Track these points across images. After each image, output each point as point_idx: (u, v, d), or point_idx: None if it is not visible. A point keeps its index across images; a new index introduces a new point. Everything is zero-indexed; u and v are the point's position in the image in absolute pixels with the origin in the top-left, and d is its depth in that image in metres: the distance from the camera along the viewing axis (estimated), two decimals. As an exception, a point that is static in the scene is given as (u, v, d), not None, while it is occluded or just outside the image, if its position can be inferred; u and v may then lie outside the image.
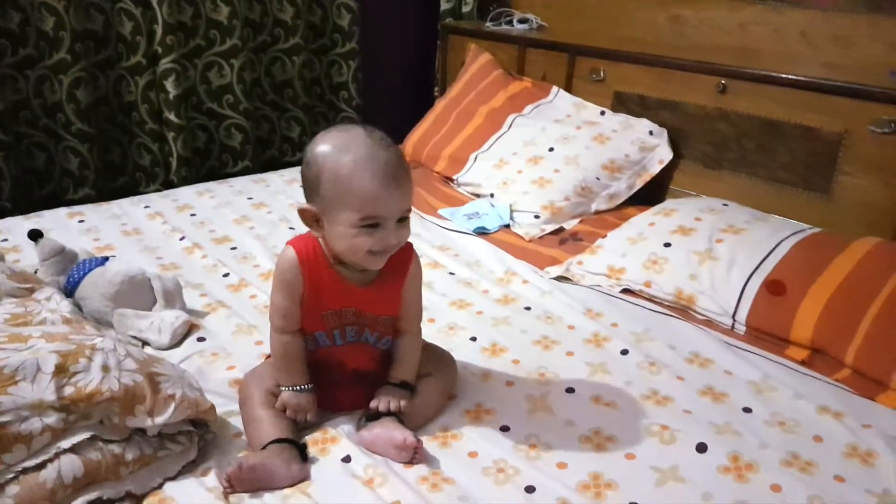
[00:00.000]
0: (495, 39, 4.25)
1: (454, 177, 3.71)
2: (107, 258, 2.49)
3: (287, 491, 1.68)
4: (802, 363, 2.29)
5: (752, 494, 1.72)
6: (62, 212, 3.26)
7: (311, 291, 1.82)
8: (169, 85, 3.82)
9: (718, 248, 2.61)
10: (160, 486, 1.68)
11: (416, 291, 1.95)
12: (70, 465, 1.57)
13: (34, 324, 1.92)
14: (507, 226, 3.24)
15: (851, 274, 2.38)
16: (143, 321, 2.28)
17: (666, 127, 3.46)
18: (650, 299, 2.64)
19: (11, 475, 1.52)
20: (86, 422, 1.61)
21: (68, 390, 1.59)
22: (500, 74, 4.02)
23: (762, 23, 3.31)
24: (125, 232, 3.08)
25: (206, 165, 4.21)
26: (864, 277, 2.36)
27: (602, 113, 3.64)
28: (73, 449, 1.58)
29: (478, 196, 3.53)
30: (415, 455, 1.76)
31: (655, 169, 3.41)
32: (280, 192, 3.58)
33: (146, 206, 3.35)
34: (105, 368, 1.65)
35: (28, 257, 2.69)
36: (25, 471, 1.53)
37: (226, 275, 2.74)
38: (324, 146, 1.71)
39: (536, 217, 3.21)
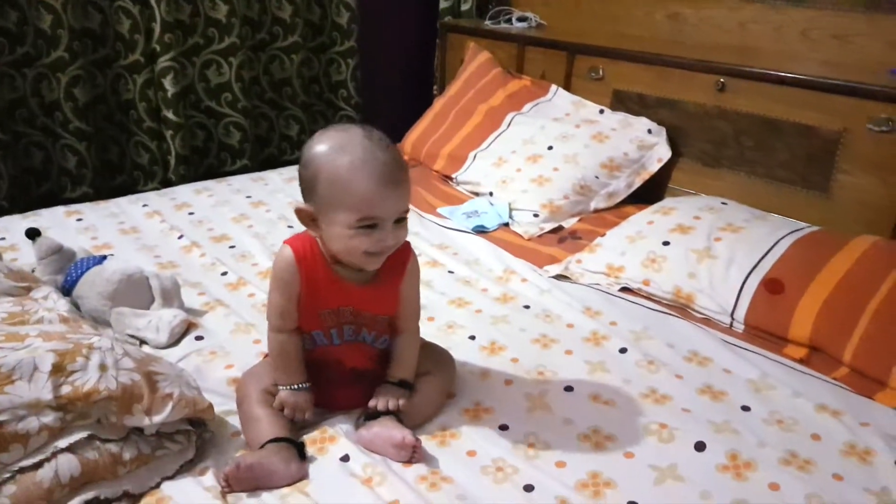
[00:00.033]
0: (494, 38, 4.24)
1: (453, 175, 3.71)
2: (104, 257, 2.49)
3: (285, 490, 1.68)
4: (801, 362, 2.29)
5: (750, 493, 1.71)
6: (60, 210, 3.25)
7: (308, 290, 1.81)
8: (167, 83, 3.82)
9: (717, 247, 2.61)
10: (158, 485, 1.68)
11: (414, 290, 1.95)
12: (67, 465, 1.56)
13: (31, 323, 1.92)
14: (506, 224, 3.24)
15: (850, 272, 2.38)
16: (140, 320, 2.27)
17: (665, 125, 3.46)
18: (649, 298, 2.64)
19: (8, 475, 1.52)
20: (83, 421, 1.61)
21: (65, 389, 1.59)
22: (499, 73, 4.02)
23: (762, 21, 3.32)
24: (123, 230, 3.08)
25: (205, 164, 4.21)
26: (862, 276, 2.36)
27: (601, 111, 3.64)
28: (70, 448, 1.58)
29: (477, 194, 3.53)
30: (413, 454, 1.76)
31: (654, 167, 3.41)
32: (279, 190, 3.58)
33: (144, 205, 3.34)
34: (102, 367, 1.65)
35: (25, 256, 2.69)
36: (22, 470, 1.53)
37: (224, 273, 2.74)
38: (321, 146, 1.70)
39: (535, 215, 3.21)
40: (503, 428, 1.92)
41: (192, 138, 4.07)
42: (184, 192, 3.55)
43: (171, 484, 1.68)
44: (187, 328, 2.34)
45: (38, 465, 1.54)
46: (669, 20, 3.67)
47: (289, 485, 1.69)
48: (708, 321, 2.51)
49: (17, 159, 3.62)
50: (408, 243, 1.88)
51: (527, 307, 2.56)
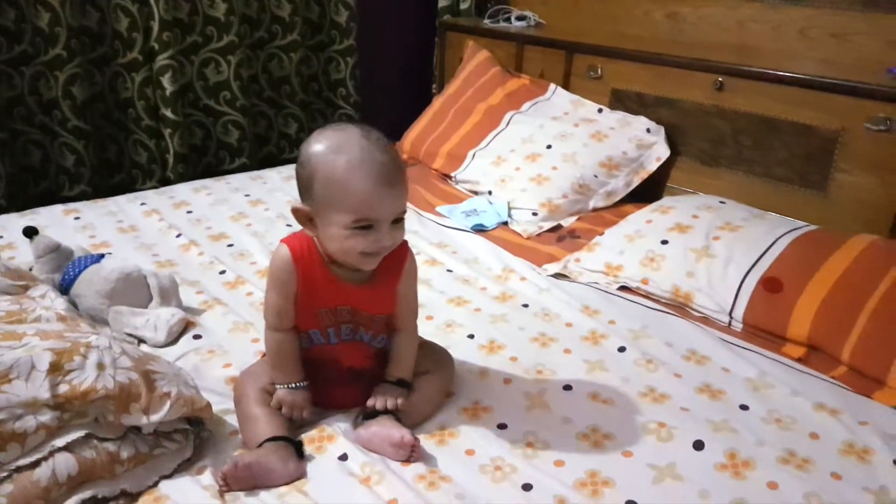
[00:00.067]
0: (493, 36, 4.24)
1: (452, 174, 3.71)
2: (102, 255, 2.48)
3: (283, 489, 1.68)
4: (799, 360, 2.29)
5: (749, 492, 1.71)
6: (58, 209, 3.25)
7: (304, 289, 1.81)
8: (165, 81, 3.82)
9: (715, 246, 2.61)
10: (155, 484, 1.67)
11: (412, 289, 1.94)
12: (65, 464, 1.56)
13: (29, 321, 1.92)
14: (505, 223, 3.24)
15: (848, 271, 2.38)
16: (138, 318, 2.27)
17: (663, 124, 3.46)
18: (647, 296, 2.64)
19: (5, 474, 1.52)
20: (80, 420, 1.61)
21: (63, 388, 1.59)
22: (498, 72, 4.02)
23: (760, 20, 3.32)
24: (121, 229, 3.08)
25: (203, 162, 4.20)
26: (860, 275, 2.36)
27: (600, 110, 3.64)
28: (67, 447, 1.58)
29: (476, 193, 3.53)
30: (412, 453, 1.76)
31: (653, 166, 3.41)
32: (277, 189, 3.58)
33: (142, 203, 3.34)
34: (100, 366, 1.65)
35: (23, 254, 2.68)
36: (19, 469, 1.53)
37: (222, 272, 2.74)
38: (318, 145, 1.70)
39: (534, 214, 3.21)
40: (502, 427, 1.92)
41: (190, 137, 4.07)
42: (182, 190, 3.55)
43: (169, 483, 1.68)
44: (185, 327, 2.34)
45: (36, 464, 1.54)
46: (668, 19, 3.67)
47: (287, 484, 1.69)
48: (706, 320, 2.51)
49: (15, 157, 3.62)
50: (405, 242, 1.87)
51: (525, 306, 2.56)
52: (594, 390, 2.08)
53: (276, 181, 3.69)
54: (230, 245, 2.96)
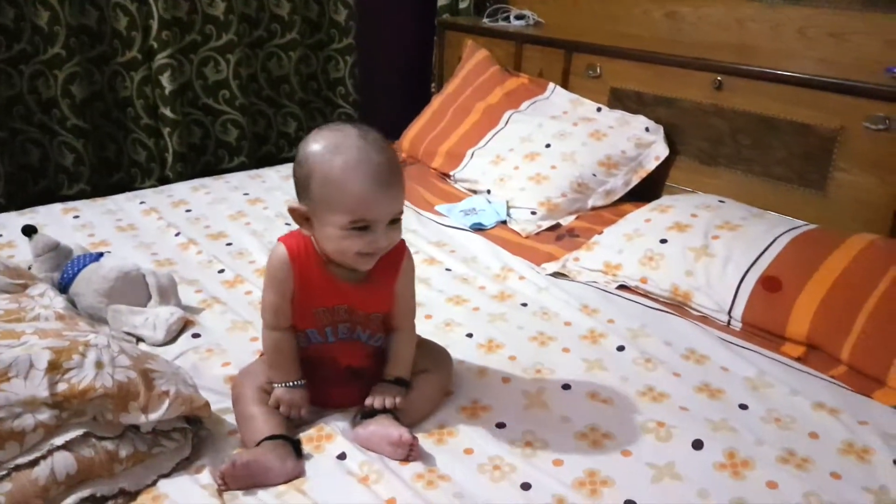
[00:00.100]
0: (492, 35, 4.24)
1: (451, 173, 3.71)
2: (101, 254, 2.48)
3: (282, 488, 1.68)
4: (798, 360, 2.29)
5: (748, 491, 1.71)
6: (56, 207, 3.25)
7: (301, 288, 1.81)
8: (164, 80, 3.82)
9: (714, 245, 2.61)
10: (154, 483, 1.67)
11: (409, 288, 1.94)
12: (63, 463, 1.56)
13: (27, 320, 1.92)
14: (504, 222, 3.23)
15: (847, 270, 2.37)
16: (137, 317, 2.27)
17: (662, 123, 3.46)
18: (646, 295, 2.64)
19: (4, 472, 1.52)
20: (79, 419, 1.61)
21: (61, 387, 1.59)
22: (497, 71, 4.02)
23: (759, 19, 3.32)
24: (120, 228, 3.08)
25: (202, 161, 4.21)
26: (859, 274, 2.36)
27: (598, 109, 3.63)
28: (66, 446, 1.58)
29: (474, 192, 3.53)
30: (410, 452, 1.76)
31: (652, 165, 3.41)
32: (276, 187, 3.57)
33: (141, 202, 3.34)
34: (98, 365, 1.65)
35: (22, 253, 2.69)
36: (18, 468, 1.53)
37: (221, 271, 2.73)
38: (315, 145, 1.69)
39: (533, 213, 3.21)
40: (500, 426, 1.92)
41: (189, 135, 4.07)
42: (181, 189, 3.55)
43: (168, 482, 1.68)
44: (184, 326, 2.34)
45: (34, 463, 1.54)
46: (667, 18, 3.67)
47: (285, 482, 1.69)
48: (705, 319, 2.51)
49: (14, 156, 3.62)
50: (402, 241, 1.87)
51: (524, 305, 2.56)
52: (593, 389, 2.08)
53: (274, 180, 3.69)
54: (229, 244, 2.96)
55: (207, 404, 1.80)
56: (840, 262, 2.40)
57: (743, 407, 2.02)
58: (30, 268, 2.44)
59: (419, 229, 3.14)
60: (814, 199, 2.98)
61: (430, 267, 2.81)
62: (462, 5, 4.65)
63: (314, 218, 1.73)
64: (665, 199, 3.07)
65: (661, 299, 2.61)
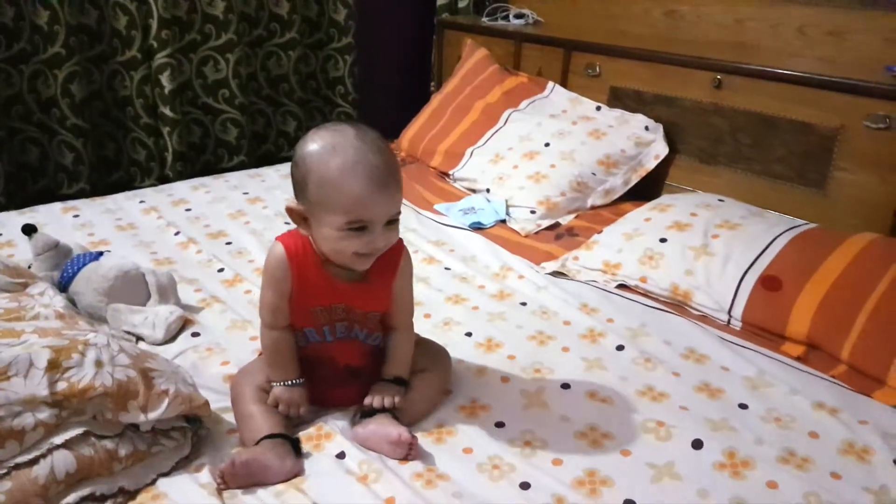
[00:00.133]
0: (491, 34, 4.24)
1: (450, 172, 3.71)
2: (101, 253, 2.48)
3: (281, 487, 1.68)
4: (798, 359, 2.28)
5: (748, 491, 1.71)
6: (56, 206, 3.25)
7: (299, 288, 1.81)
8: (164, 80, 3.82)
9: (714, 244, 2.61)
10: (153, 482, 1.67)
11: (407, 287, 1.94)
12: (63, 461, 1.56)
13: (27, 319, 1.92)
14: (503, 221, 3.23)
15: (847, 270, 2.37)
16: (137, 316, 2.27)
17: (662, 122, 3.46)
18: (646, 295, 2.64)
19: (4, 471, 1.51)
20: (78, 417, 1.61)
21: (61, 386, 1.59)
22: (496, 69, 4.02)
23: (758, 18, 3.31)
24: (119, 227, 3.08)
25: (202, 160, 4.21)
26: (859, 273, 2.36)
27: (598, 108, 3.63)
28: (65, 444, 1.57)
29: (474, 191, 3.52)
30: (409, 451, 1.76)
31: (651, 164, 3.41)
32: (275, 186, 3.57)
33: (141, 201, 3.34)
34: (98, 364, 1.65)
35: (22, 252, 2.69)
36: (18, 466, 1.53)
37: (220, 270, 2.73)
38: (313, 145, 1.69)
39: (532, 212, 3.21)
40: (499, 425, 1.92)
41: (188, 135, 4.08)
42: (181, 188, 3.55)
43: (167, 481, 1.68)
44: (183, 325, 2.34)
45: (34, 462, 1.54)
46: (666, 17, 3.67)
47: (284, 481, 1.69)
48: (705, 318, 2.51)
49: (13, 155, 3.62)
50: (400, 240, 1.87)
51: (523, 304, 2.56)
52: (592, 389, 2.08)
53: (274, 179, 3.68)
54: (228, 243, 2.96)
55: (207, 403, 1.80)
56: (840, 261, 2.40)
57: (743, 406, 2.02)
58: (30, 267, 2.44)
59: (418, 228, 3.14)
60: (814, 199, 2.98)
61: (429, 266, 2.81)
62: (461, 4, 4.65)
63: (311, 218, 1.73)
64: (665, 198, 3.07)
65: (661, 298, 2.61)
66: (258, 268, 2.72)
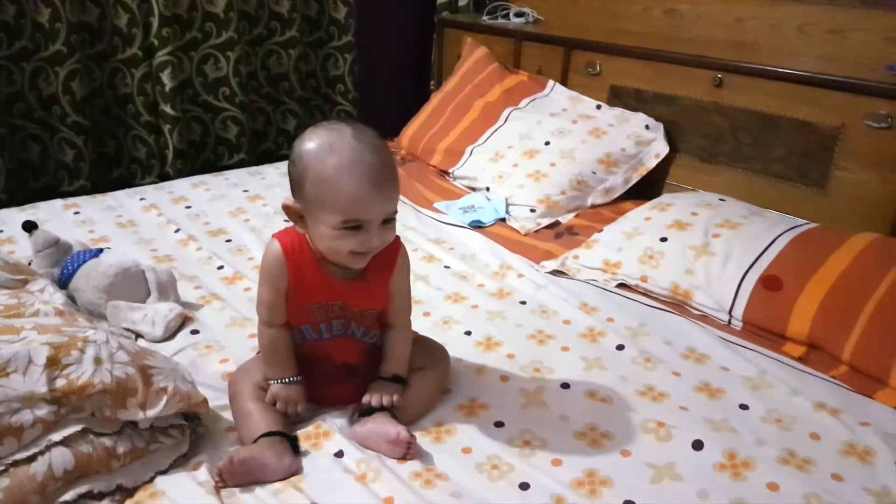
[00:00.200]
0: (491, 33, 4.24)
1: (450, 170, 3.70)
2: (101, 250, 2.48)
3: (279, 485, 1.67)
4: (799, 360, 2.28)
5: (748, 492, 1.71)
6: (57, 203, 3.25)
7: (295, 285, 1.81)
8: (165, 77, 3.82)
9: (714, 243, 2.61)
10: (151, 479, 1.67)
11: (405, 285, 1.94)
12: (61, 458, 1.56)
13: (27, 315, 1.92)
14: (503, 219, 3.23)
15: (848, 270, 2.37)
16: (136, 313, 2.27)
17: (662, 121, 3.45)
18: (646, 294, 2.63)
19: (2, 468, 1.51)
20: (77, 414, 1.60)
21: (60, 382, 1.59)
22: (496, 68, 4.01)
23: (759, 17, 3.31)
24: (120, 224, 3.08)
25: (202, 158, 4.21)
26: (861, 273, 2.35)
27: (598, 107, 3.63)
28: (64, 442, 1.57)
29: (473, 189, 3.52)
30: (408, 450, 1.76)
31: (651, 163, 3.40)
32: (275, 184, 3.57)
33: (141, 199, 3.34)
34: (97, 361, 1.65)
35: (22, 249, 2.69)
36: (16, 463, 1.53)
37: (220, 267, 2.73)
38: (310, 144, 1.69)
39: (532, 211, 3.21)
40: (498, 425, 1.91)
41: (189, 132, 4.08)
42: (181, 185, 3.55)
43: (165, 478, 1.68)
44: (183, 322, 2.34)
45: (32, 459, 1.54)
46: (666, 16, 3.67)
47: (282, 479, 1.69)
48: (706, 318, 2.51)
49: (14, 153, 3.62)
50: (397, 238, 1.86)
51: (523, 303, 2.55)
52: (592, 388, 2.08)
53: (274, 177, 3.68)
54: (228, 240, 2.96)
55: (205, 401, 1.79)
56: (841, 261, 2.39)
57: (743, 407, 2.02)
58: (30, 263, 2.44)
59: (418, 226, 3.14)
60: (815, 198, 2.98)
61: (429, 264, 2.81)
62: (461, 3, 4.65)
63: (308, 216, 1.73)
64: (665, 198, 3.07)
65: (661, 298, 2.61)
66: (258, 265, 2.69)
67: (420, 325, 2.08)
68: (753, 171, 3.16)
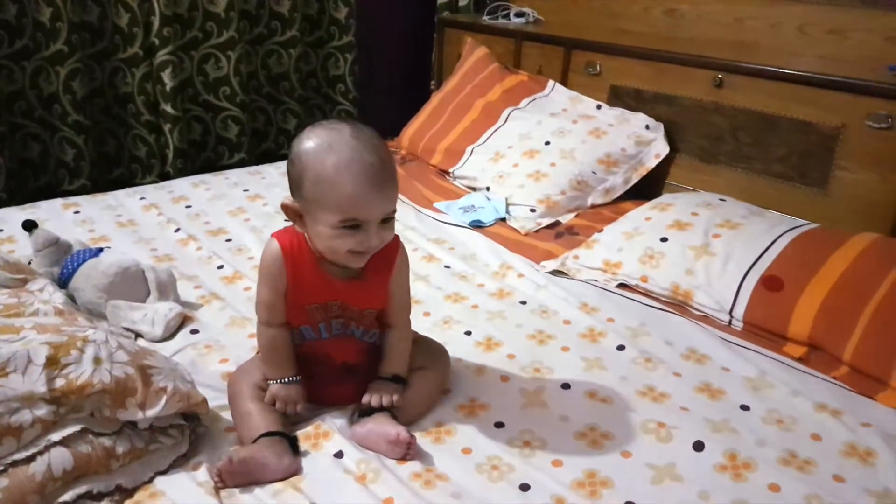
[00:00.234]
0: (491, 33, 4.24)
1: (450, 170, 3.70)
2: (101, 249, 2.48)
3: (278, 486, 1.67)
4: (800, 360, 2.28)
5: (749, 493, 1.70)
6: (57, 203, 3.25)
7: (294, 284, 1.81)
8: (165, 77, 3.83)
9: (715, 244, 2.60)
10: (151, 479, 1.67)
11: (404, 284, 1.93)
12: (60, 458, 1.55)
13: (26, 315, 1.92)
14: (503, 219, 3.23)
15: (849, 270, 2.36)
16: (136, 313, 2.27)
17: (662, 121, 3.45)
18: (646, 294, 2.63)
19: (1, 468, 1.51)
20: (76, 414, 1.60)
21: (59, 382, 1.58)
22: (497, 68, 4.01)
23: (759, 17, 3.31)
24: (120, 223, 3.07)
25: (202, 157, 4.21)
26: (862, 274, 2.35)
27: (598, 107, 3.63)
28: (63, 442, 1.57)
29: (474, 189, 3.52)
30: (408, 451, 1.75)
31: (652, 163, 3.40)
32: (275, 184, 3.56)
33: (141, 198, 3.33)
34: (97, 360, 1.64)
35: (22, 248, 2.68)
36: (15, 463, 1.52)
37: (220, 267, 2.73)
38: (309, 143, 1.69)
39: (532, 211, 3.20)
40: (499, 425, 1.91)
41: (189, 132, 4.08)
42: (181, 185, 3.55)
43: (164, 479, 1.68)
44: (182, 321, 2.33)
45: (31, 459, 1.54)
46: (666, 16, 3.66)
47: (282, 479, 1.69)
48: (706, 318, 2.50)
49: (14, 151, 3.62)
50: (396, 237, 1.86)
51: (523, 303, 2.55)
52: (592, 389, 2.07)
53: (274, 176, 3.68)
54: (228, 240, 2.96)
55: (205, 401, 1.79)
56: (842, 261, 2.39)
57: (744, 408, 2.01)
58: (30, 263, 2.44)
59: (418, 226, 3.13)
60: (815, 198, 2.97)
61: (429, 264, 2.80)
62: (462, 3, 4.65)
63: (307, 215, 1.73)
64: (665, 198, 3.06)
65: (662, 298, 2.60)
66: (258, 265, 2.69)
67: (420, 325, 2.08)
68: (754, 171, 3.16)
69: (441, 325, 2.39)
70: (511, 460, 1.78)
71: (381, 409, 1.83)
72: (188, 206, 3.27)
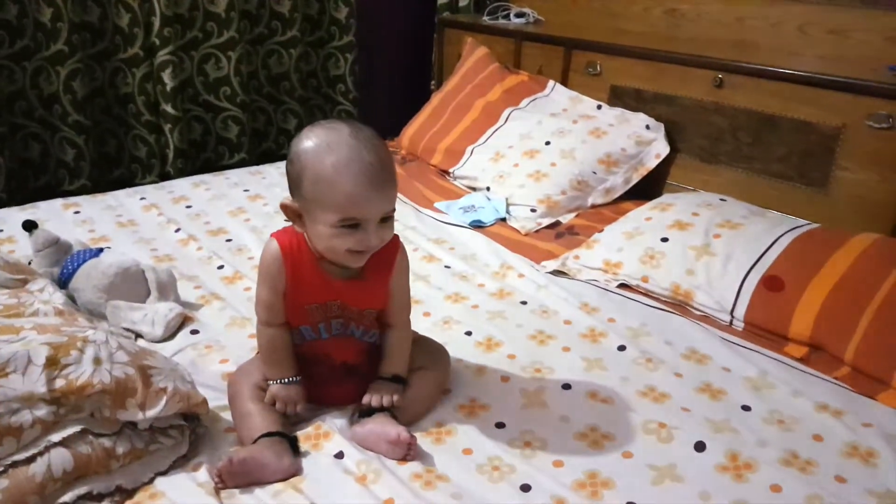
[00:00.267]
0: (492, 33, 4.24)
1: (450, 170, 3.70)
2: (101, 249, 2.47)
3: (279, 486, 1.67)
4: (801, 360, 2.27)
5: (750, 494, 1.70)
6: (57, 203, 3.24)
7: (293, 284, 1.81)
8: (166, 77, 3.83)
9: (716, 244, 2.60)
10: (151, 480, 1.67)
11: (404, 284, 1.93)
12: (60, 459, 1.55)
13: (26, 315, 1.92)
14: (504, 219, 3.23)
15: (850, 270, 2.36)
16: (136, 313, 2.27)
17: (662, 121, 3.45)
18: (647, 294, 2.63)
19: (1, 469, 1.51)
20: (76, 415, 1.60)
21: (59, 383, 1.58)
22: (497, 68, 4.01)
23: (759, 17, 3.31)
24: (120, 223, 3.07)
25: (203, 157, 4.21)
26: (863, 274, 2.34)
27: (598, 107, 3.63)
28: (63, 442, 1.57)
29: (474, 189, 3.52)
30: (408, 451, 1.75)
31: (652, 163, 3.40)
32: (276, 184, 3.56)
33: (142, 198, 3.33)
34: (97, 361, 1.64)
35: (22, 248, 2.68)
36: (15, 464, 1.52)
37: (220, 267, 2.73)
38: (308, 143, 1.69)
39: (533, 211, 3.20)
40: (499, 425, 1.91)
41: (189, 132, 4.08)
42: (181, 185, 3.55)
43: (165, 479, 1.68)
44: (183, 322, 2.33)
45: (31, 459, 1.53)
46: (667, 16, 3.66)
47: (282, 479, 1.68)
48: (707, 318, 2.50)
49: (15, 152, 3.62)
50: (396, 237, 1.85)
51: (524, 303, 2.55)
52: (593, 389, 2.07)
53: (274, 176, 3.68)
54: (228, 240, 2.96)
55: (205, 401, 1.79)
56: (843, 261, 2.39)
57: (745, 408, 2.01)
58: (30, 263, 2.44)
59: (418, 226, 3.13)
60: (816, 198, 2.97)
61: (429, 264, 2.80)
62: (462, 3, 4.64)
63: (306, 215, 1.73)
64: (666, 198, 3.06)
65: (662, 298, 2.60)
66: (257, 265, 2.71)
67: (420, 325, 2.08)
68: (754, 171, 3.16)
69: (441, 325, 2.39)
70: (512, 461, 1.78)
71: (381, 409, 1.83)
72: (188, 207, 3.27)
